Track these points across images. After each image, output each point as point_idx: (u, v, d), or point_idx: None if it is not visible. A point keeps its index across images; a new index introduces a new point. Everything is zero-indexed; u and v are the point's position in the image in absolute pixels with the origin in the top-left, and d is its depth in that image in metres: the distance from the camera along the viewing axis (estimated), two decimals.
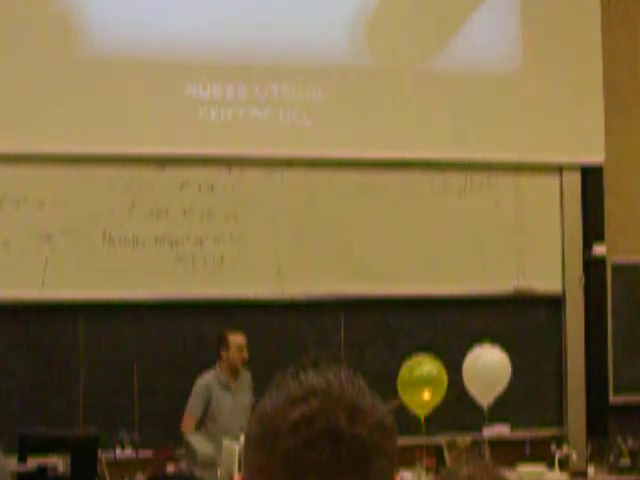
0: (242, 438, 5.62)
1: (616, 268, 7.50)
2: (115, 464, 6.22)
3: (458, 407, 6.57)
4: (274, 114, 7.02)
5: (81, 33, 6.76)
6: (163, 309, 6.86)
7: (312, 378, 1.13)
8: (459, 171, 7.28)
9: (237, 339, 6.46)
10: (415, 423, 5.98)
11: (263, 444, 1.11)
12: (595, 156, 7.42)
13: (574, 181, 7.46)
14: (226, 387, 6.42)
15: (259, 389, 6.06)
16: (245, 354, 6.45)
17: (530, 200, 7.38)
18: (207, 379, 6.42)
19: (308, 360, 1.15)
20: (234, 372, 6.46)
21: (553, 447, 6.58)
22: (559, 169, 7.45)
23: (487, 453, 6.22)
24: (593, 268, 7.47)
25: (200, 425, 6.36)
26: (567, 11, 7.42)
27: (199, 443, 6.02)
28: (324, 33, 7.07)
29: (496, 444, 6.59)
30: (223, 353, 6.46)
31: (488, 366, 6.25)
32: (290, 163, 7.06)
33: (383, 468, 1.11)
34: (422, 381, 6.11)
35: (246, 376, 6.52)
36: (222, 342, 6.46)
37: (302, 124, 7.05)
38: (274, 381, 1.15)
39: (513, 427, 7.20)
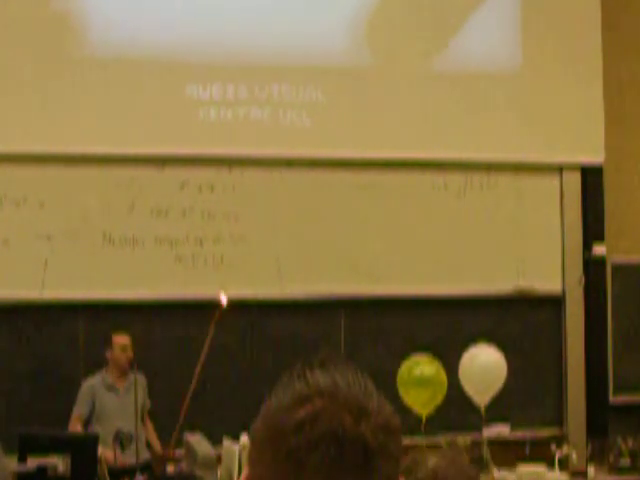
0: (244, 438, 5.62)
1: (616, 268, 7.50)
2: (115, 464, 6.21)
3: (458, 407, 6.56)
4: (274, 114, 7.02)
5: (81, 33, 6.76)
6: (163, 309, 6.86)
7: (318, 378, 1.13)
8: (459, 171, 7.28)
9: (120, 339, 6.46)
10: (415, 423, 5.98)
11: (267, 443, 1.11)
12: (595, 156, 7.43)
13: (574, 181, 7.47)
14: (111, 388, 6.46)
15: (259, 389, 6.06)
16: (129, 354, 6.44)
17: (530, 200, 7.38)
18: (92, 381, 6.48)
19: (315, 360, 1.15)
20: (121, 373, 6.46)
21: (553, 447, 6.57)
22: (559, 169, 7.45)
23: (487, 453, 6.22)
24: (593, 268, 7.47)
25: (87, 426, 6.41)
26: (567, 11, 7.42)
27: (199, 443, 6.01)
28: (324, 33, 7.07)
29: (496, 444, 6.59)
30: (108, 354, 6.47)
31: (484, 366, 6.25)
32: (290, 163, 7.06)
33: (387, 470, 1.11)
34: (422, 381, 6.11)
35: (139, 379, 6.40)
36: (106, 343, 6.48)
37: (302, 124, 7.05)
38: (280, 380, 1.15)
39: (513, 427, 7.20)
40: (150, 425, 6.66)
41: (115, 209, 6.80)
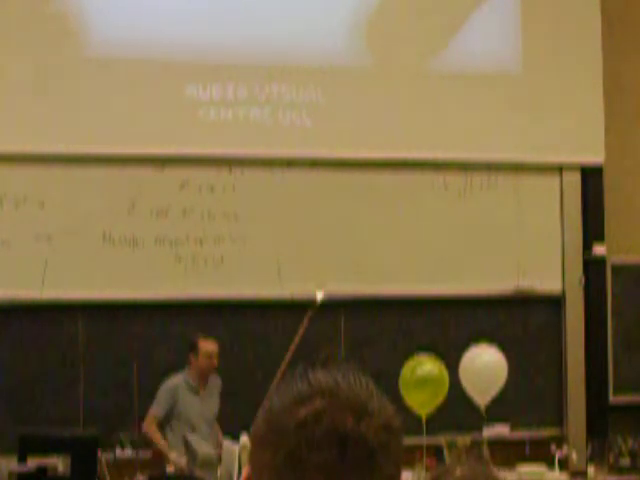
0: (244, 438, 5.62)
1: (616, 268, 7.50)
2: (115, 464, 6.22)
3: (458, 407, 6.56)
4: (274, 114, 7.02)
5: (81, 33, 6.76)
6: (163, 309, 6.86)
7: (320, 378, 1.13)
8: (459, 171, 7.28)
9: (208, 346, 6.36)
10: (415, 423, 5.98)
11: (269, 442, 1.11)
12: (595, 156, 7.42)
13: (574, 181, 7.46)
14: (194, 391, 6.37)
15: (259, 389, 6.05)
16: (214, 362, 6.36)
17: (530, 200, 7.38)
18: (174, 382, 6.36)
19: (317, 359, 1.15)
20: (202, 378, 6.40)
21: (553, 447, 6.57)
22: (559, 169, 7.45)
23: (487, 453, 6.22)
24: (593, 268, 7.47)
25: (165, 424, 6.32)
26: (567, 11, 7.42)
27: (199, 443, 6.01)
28: (324, 33, 7.07)
29: (496, 444, 6.59)
30: (192, 359, 6.38)
31: (485, 366, 6.25)
32: (290, 163, 7.06)
33: (388, 469, 1.11)
34: (423, 381, 6.11)
35: (215, 382, 6.46)
36: (193, 348, 6.37)
37: (302, 124, 7.05)
38: (282, 380, 1.15)
39: (513, 427, 7.20)
40: (219, 428, 6.59)
41: (115, 209, 6.80)
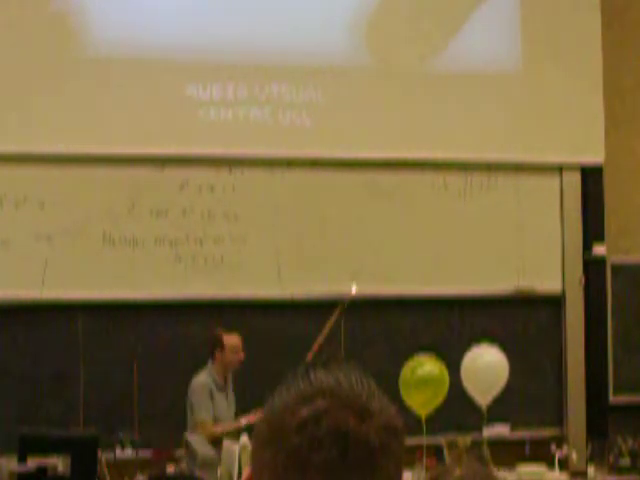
0: (244, 438, 5.62)
1: (616, 268, 7.50)
2: (115, 464, 6.22)
3: (458, 407, 6.56)
4: (274, 114, 7.02)
5: (81, 33, 6.75)
6: (163, 309, 6.86)
7: (321, 378, 1.13)
8: (459, 171, 7.28)
9: (233, 340, 6.26)
10: (415, 423, 5.98)
11: (270, 441, 1.11)
12: (595, 156, 7.43)
13: (574, 181, 7.47)
14: (221, 388, 6.29)
15: (259, 389, 6.06)
16: (241, 355, 6.27)
17: (530, 200, 7.38)
18: (204, 380, 6.21)
19: (319, 359, 1.15)
20: (227, 373, 6.31)
21: (553, 447, 6.57)
22: (559, 169, 7.45)
23: (487, 453, 6.22)
24: (593, 268, 7.47)
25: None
26: (567, 11, 7.42)
27: (199, 443, 6.01)
28: (324, 33, 7.07)
29: (496, 444, 6.59)
30: (218, 354, 6.26)
31: (486, 366, 6.25)
32: (290, 163, 7.06)
33: (390, 470, 1.11)
34: (424, 381, 6.11)
35: (231, 378, 6.40)
36: (217, 343, 6.25)
37: (302, 124, 7.05)
38: (284, 380, 1.15)
39: (513, 427, 7.21)
40: None
41: (115, 209, 6.80)
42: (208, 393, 6.14)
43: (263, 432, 1.13)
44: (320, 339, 6.03)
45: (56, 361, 6.72)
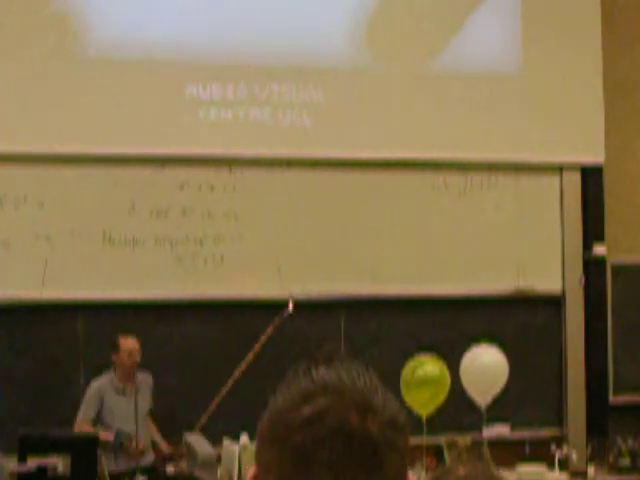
0: (244, 438, 5.62)
1: (616, 268, 7.50)
2: (115, 464, 6.21)
3: (458, 407, 6.56)
4: (274, 114, 7.02)
5: (81, 33, 6.75)
6: (163, 309, 6.86)
7: (324, 375, 1.12)
8: (459, 171, 7.28)
9: (127, 343, 6.31)
10: (415, 423, 5.98)
11: (274, 439, 1.11)
12: (595, 156, 7.43)
13: (574, 181, 7.47)
14: (121, 392, 6.31)
15: (259, 389, 6.05)
16: (136, 358, 6.28)
17: (530, 200, 7.38)
18: (99, 383, 6.32)
19: (321, 356, 1.15)
20: (127, 377, 6.31)
21: (553, 447, 6.58)
22: (559, 169, 7.46)
23: (487, 453, 6.22)
24: (593, 268, 7.47)
25: (95, 426, 6.24)
26: (567, 11, 7.42)
27: (199, 443, 6.01)
28: (324, 33, 7.07)
29: (496, 444, 6.59)
30: (115, 357, 6.33)
31: (486, 366, 6.25)
32: (290, 163, 7.06)
33: (395, 465, 1.11)
34: (424, 381, 6.11)
35: (145, 379, 6.37)
36: (114, 346, 6.33)
37: (302, 124, 7.05)
38: (286, 378, 1.15)
39: (513, 427, 7.21)
40: (153, 425, 6.59)
41: (115, 209, 6.80)
42: (96, 397, 6.27)
43: (267, 431, 1.13)
44: (258, 346, 6.04)
45: (56, 361, 6.71)
